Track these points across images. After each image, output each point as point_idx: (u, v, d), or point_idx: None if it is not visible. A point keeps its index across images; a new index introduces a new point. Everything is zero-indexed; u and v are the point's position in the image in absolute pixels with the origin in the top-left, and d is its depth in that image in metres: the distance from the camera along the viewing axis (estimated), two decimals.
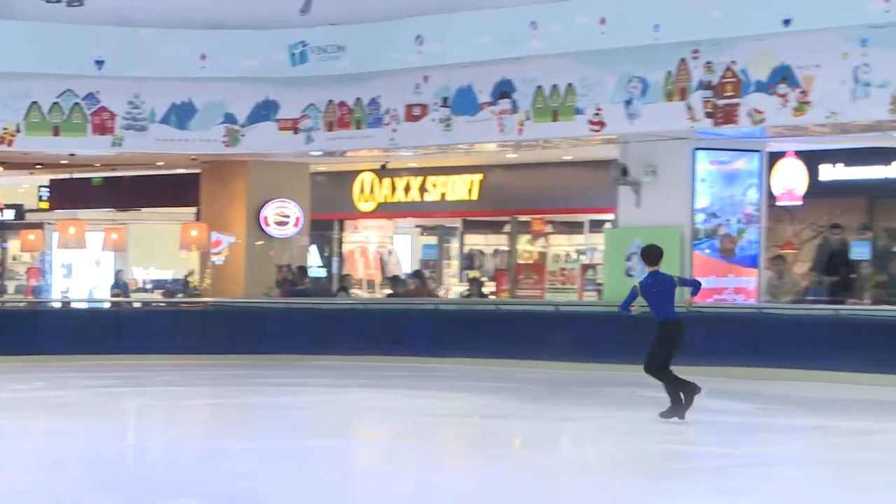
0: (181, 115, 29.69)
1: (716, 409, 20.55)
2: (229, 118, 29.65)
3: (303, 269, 32.92)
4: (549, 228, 34.91)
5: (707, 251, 25.90)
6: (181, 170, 35.52)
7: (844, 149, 30.24)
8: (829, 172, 31.30)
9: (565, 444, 18.70)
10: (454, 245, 38.10)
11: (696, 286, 18.89)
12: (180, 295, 34.49)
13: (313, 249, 36.57)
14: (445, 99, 27.37)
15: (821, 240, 27.86)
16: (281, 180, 32.86)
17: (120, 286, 34.84)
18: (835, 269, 26.00)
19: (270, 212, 32.91)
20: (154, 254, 39.05)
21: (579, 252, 33.43)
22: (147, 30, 28.75)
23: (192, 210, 35.76)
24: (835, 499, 13.21)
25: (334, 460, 15.70)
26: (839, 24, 22.28)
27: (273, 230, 32.67)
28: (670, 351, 17.95)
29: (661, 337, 17.93)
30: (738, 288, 26.25)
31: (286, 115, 29.73)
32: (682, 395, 17.56)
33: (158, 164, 35.00)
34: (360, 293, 35.92)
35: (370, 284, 36.90)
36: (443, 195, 35.63)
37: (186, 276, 34.87)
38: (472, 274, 34.19)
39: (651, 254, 17.90)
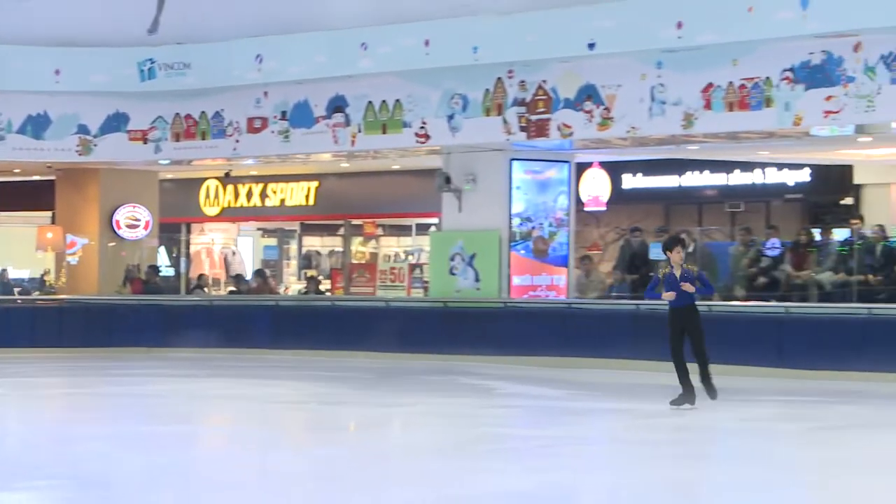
0: (37, 126, 29.48)
1: (531, 394, 21.16)
2: (82, 129, 29.50)
3: (154, 268, 32.86)
4: (379, 231, 35.31)
5: (522, 252, 26.26)
6: (37, 177, 35.17)
7: (643, 160, 31.14)
8: (630, 181, 32.60)
9: (395, 427, 18.80)
10: (293, 246, 38.36)
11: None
12: (37, 293, 34.50)
13: (162, 251, 36.21)
14: (284, 113, 27.57)
15: (623, 241, 28.33)
16: (131, 187, 32.55)
17: (3, 284, 34.30)
18: (635, 268, 26.74)
19: (122, 216, 32.67)
20: (11, 254, 38.02)
21: (407, 253, 33.82)
22: (3, 46, 28.41)
23: (48, 214, 35.41)
24: (632, 474, 13.46)
25: (183, 444, 15.73)
26: (637, 49, 22.98)
27: (124, 233, 32.53)
28: (671, 334, 17.59)
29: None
30: (550, 285, 26.56)
31: (136, 126, 29.63)
32: (694, 384, 17.25)
33: (15, 171, 34.57)
34: (208, 291, 35.91)
35: (216, 283, 36.72)
36: (282, 201, 35.72)
37: (43, 275, 35.02)
38: (310, 273, 34.27)
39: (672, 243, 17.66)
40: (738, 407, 19.02)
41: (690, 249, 25.90)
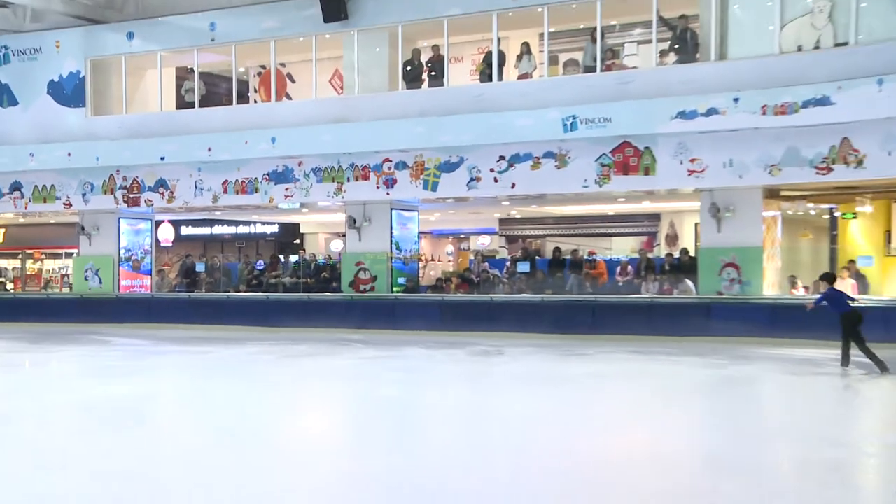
0: None
1: (131, 344, 20.44)
2: None
3: None
4: (43, 256, 33.26)
5: (127, 267, 25.70)
6: None
7: (192, 219, 30.10)
8: (185, 230, 31.73)
9: (53, 363, 17.91)
10: None
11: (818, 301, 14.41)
12: None
13: None
14: None
15: (181, 261, 27.90)
16: None
17: None
18: (187, 275, 26.62)
19: None
20: None
21: (60, 269, 32.28)
22: None
23: None
24: (193, 384, 14.04)
25: None
26: (187, 161, 23.10)
27: None
28: (851, 330, 13.95)
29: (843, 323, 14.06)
30: (142, 285, 25.99)
31: None
32: (876, 358, 13.67)
33: None
34: None
35: None
36: None
37: None
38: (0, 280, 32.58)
39: (828, 277, 14.59)
40: (244, 348, 18.88)
41: (201, 269, 26.55)
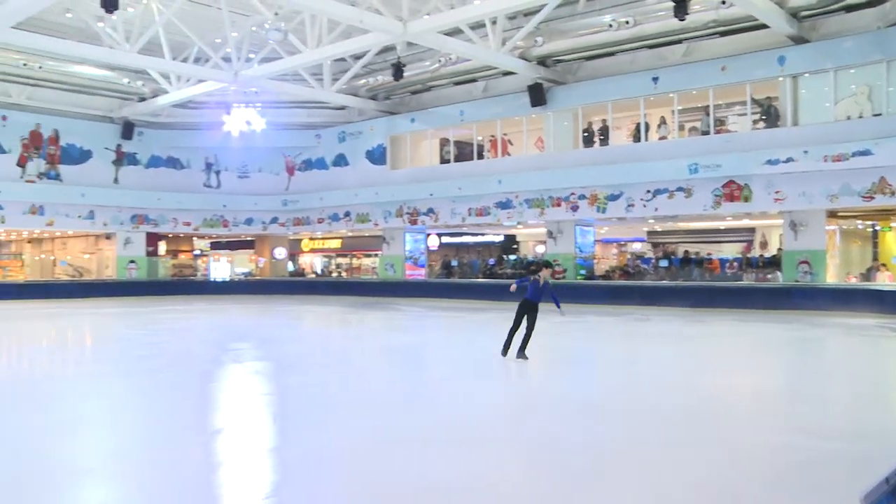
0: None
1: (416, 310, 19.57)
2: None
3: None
4: (362, 256, 30.10)
5: (410, 262, 24.64)
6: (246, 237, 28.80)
7: (448, 232, 27.32)
8: (445, 239, 28.79)
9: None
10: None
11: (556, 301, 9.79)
12: (248, 277, 28.35)
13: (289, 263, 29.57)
14: None
15: (442, 259, 26.92)
16: (278, 242, 28.35)
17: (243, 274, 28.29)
18: (447, 268, 25.71)
19: (275, 251, 28.16)
20: (240, 263, 30.72)
21: (371, 264, 29.15)
22: None
23: (251, 249, 30.00)
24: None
25: None
26: (446, 196, 22.81)
27: (276, 255, 28.32)
28: (520, 315, 9.78)
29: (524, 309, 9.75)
30: (420, 274, 24.85)
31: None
32: (510, 340, 9.89)
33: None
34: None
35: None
36: None
37: (250, 272, 29.04)
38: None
39: (539, 265, 9.88)
40: (480, 314, 17.76)
41: (455, 264, 25.24)
